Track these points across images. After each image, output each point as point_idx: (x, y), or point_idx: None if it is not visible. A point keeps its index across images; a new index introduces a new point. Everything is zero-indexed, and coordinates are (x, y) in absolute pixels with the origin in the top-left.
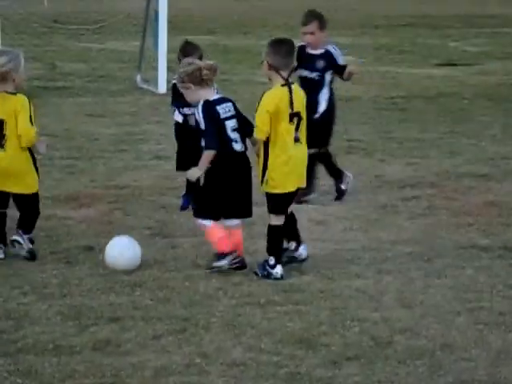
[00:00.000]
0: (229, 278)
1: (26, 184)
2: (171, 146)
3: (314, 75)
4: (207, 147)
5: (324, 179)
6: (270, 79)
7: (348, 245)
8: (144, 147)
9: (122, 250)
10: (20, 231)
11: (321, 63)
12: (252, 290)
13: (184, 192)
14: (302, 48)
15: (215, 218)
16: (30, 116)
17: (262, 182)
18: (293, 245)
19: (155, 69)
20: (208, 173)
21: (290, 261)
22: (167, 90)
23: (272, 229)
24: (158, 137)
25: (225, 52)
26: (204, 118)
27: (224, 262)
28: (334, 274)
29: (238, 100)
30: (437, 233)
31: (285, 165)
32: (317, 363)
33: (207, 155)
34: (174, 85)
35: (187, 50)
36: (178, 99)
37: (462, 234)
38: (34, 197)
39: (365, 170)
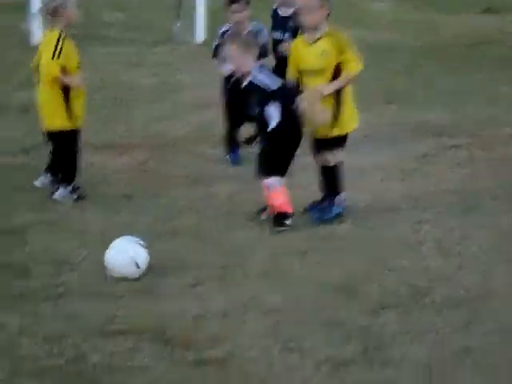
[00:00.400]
0: (267, 226)
1: (52, 121)
2: (208, 96)
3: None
4: None
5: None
6: (314, 28)
7: (387, 194)
8: (181, 97)
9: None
10: (59, 187)
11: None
12: (290, 239)
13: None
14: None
15: (283, 173)
16: (55, 51)
17: (334, 124)
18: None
19: (193, 18)
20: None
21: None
22: (204, 39)
23: (338, 167)
24: (195, 86)
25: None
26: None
27: (289, 222)
28: (373, 223)
29: None
30: (476, 182)
31: (352, 100)
32: (355, 311)
33: None
34: (223, 33)
35: None
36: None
37: (500, 184)
38: (60, 136)
39: (403, 119)
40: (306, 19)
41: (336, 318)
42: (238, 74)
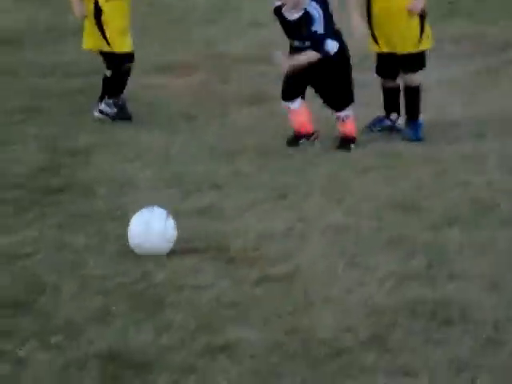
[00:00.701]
0: (328, 144)
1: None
2: (266, 13)
3: None
4: None
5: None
6: None
7: (448, 110)
8: (241, 15)
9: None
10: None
11: None
12: (352, 156)
13: None
14: None
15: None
16: None
17: (419, 40)
18: (394, 115)
19: None
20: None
21: (390, 130)
22: None
23: (420, 87)
24: (255, 4)
25: None
26: None
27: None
28: (435, 139)
29: None
30: None
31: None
32: (418, 227)
33: None
34: None
35: None
36: None
37: None
38: (110, 56)
39: (466, 33)
40: None
41: (399, 234)
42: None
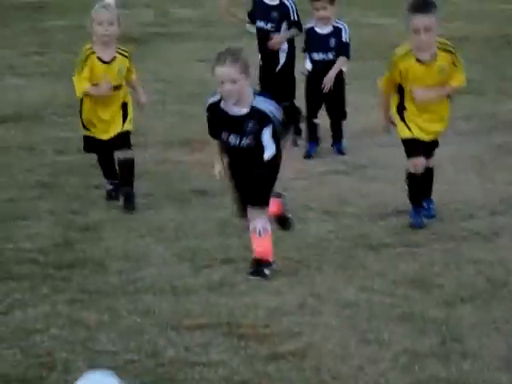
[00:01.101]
0: (340, 220)
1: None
2: None
3: (268, 26)
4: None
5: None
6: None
7: (461, 186)
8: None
9: None
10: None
11: (275, 14)
12: (364, 233)
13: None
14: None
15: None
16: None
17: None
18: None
19: None
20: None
21: None
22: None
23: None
24: None
25: None
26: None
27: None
28: (447, 216)
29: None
30: None
31: None
32: (430, 304)
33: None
34: (308, 30)
35: None
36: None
37: None
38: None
39: (478, 110)
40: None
41: (412, 311)
42: (232, 101)
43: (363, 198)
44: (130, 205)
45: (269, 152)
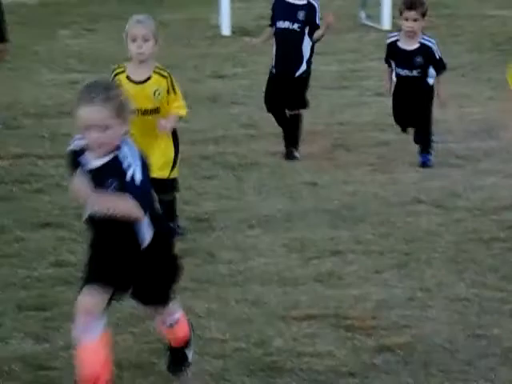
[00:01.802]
0: (451, 214)
1: None
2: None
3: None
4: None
5: None
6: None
7: None
8: (366, 84)
9: None
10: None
11: (301, 15)
12: (475, 227)
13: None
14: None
15: None
16: None
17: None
18: None
19: (379, 5)
20: None
21: None
22: (391, 26)
23: None
24: (380, 73)
25: None
26: None
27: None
28: None
29: (463, 35)
30: None
31: None
32: None
33: None
34: (390, 45)
35: None
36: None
37: None
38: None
39: None
40: None
41: None
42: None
43: (476, 192)
44: None
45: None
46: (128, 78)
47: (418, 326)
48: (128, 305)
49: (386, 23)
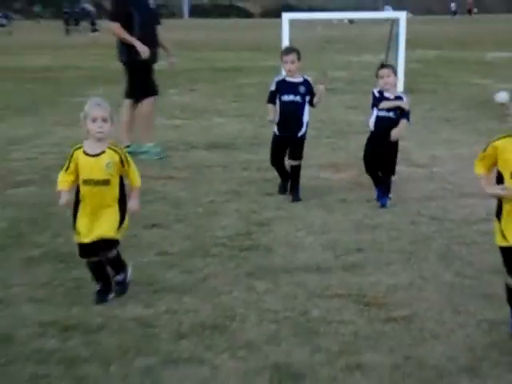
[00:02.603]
0: (443, 224)
1: None
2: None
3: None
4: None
5: None
6: None
7: None
8: None
9: None
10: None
11: (302, 89)
12: (460, 233)
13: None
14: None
15: None
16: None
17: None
18: None
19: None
20: None
21: None
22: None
23: None
24: None
25: (449, 62)
26: None
27: None
28: None
29: (455, 97)
30: None
31: None
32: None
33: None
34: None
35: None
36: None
37: None
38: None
39: None
40: None
41: (495, 291)
42: None
43: (461, 208)
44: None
45: None
46: (84, 152)
47: (416, 303)
48: (210, 284)
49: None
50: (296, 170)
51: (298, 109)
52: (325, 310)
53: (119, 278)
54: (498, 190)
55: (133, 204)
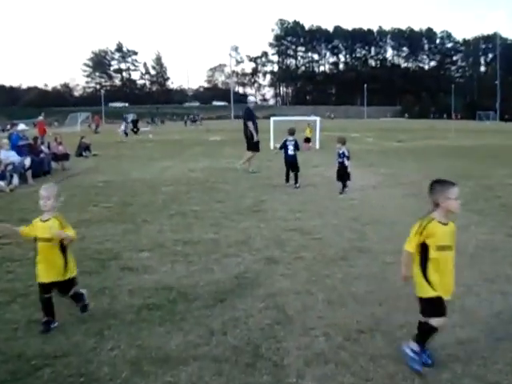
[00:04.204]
0: None
1: None
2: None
3: (294, 150)
4: None
5: None
6: None
7: None
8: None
9: None
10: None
11: (295, 144)
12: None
13: None
14: None
15: None
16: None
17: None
18: None
19: None
20: None
21: None
22: None
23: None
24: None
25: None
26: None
27: None
28: None
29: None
30: None
31: None
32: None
33: None
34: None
35: None
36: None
37: None
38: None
39: None
40: None
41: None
42: None
43: None
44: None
45: None
46: (40, 219)
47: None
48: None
49: None
50: (296, 176)
51: (295, 155)
52: (363, 265)
53: (80, 304)
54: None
55: (58, 232)
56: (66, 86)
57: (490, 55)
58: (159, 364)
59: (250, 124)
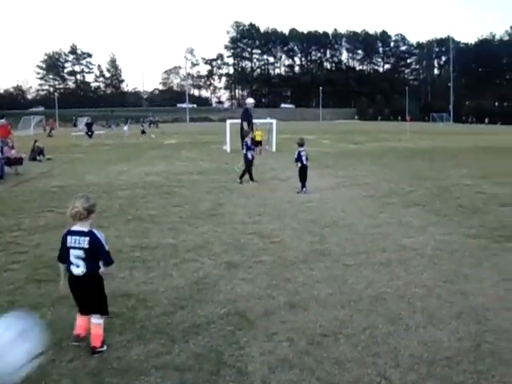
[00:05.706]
0: (420, 236)
1: None
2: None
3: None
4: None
5: None
6: None
7: None
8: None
9: None
10: None
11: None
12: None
13: None
14: None
15: None
16: None
17: None
18: None
19: None
20: None
21: None
22: None
23: None
24: None
25: (294, 140)
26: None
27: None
28: None
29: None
30: None
31: None
32: None
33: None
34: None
35: None
36: None
37: None
38: None
39: None
40: None
41: None
42: None
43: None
44: None
45: None
46: None
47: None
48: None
49: None
50: None
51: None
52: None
53: None
54: None
55: None
56: (18, 88)
57: (444, 58)
58: (120, 375)
59: (245, 124)
